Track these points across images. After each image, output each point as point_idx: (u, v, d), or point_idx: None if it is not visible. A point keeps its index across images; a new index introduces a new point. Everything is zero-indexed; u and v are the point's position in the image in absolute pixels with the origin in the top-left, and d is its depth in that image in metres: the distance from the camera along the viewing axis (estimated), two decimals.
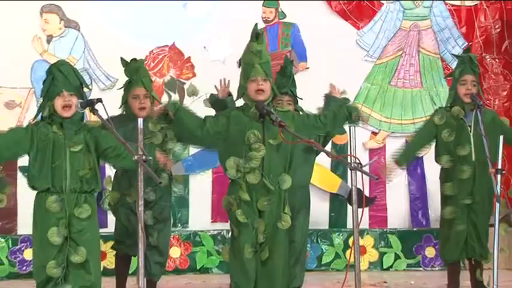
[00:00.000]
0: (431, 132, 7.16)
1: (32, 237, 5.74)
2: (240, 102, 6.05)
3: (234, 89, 6.06)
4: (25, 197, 8.39)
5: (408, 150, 7.33)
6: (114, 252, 6.87)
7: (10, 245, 8.59)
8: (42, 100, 5.77)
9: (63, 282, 5.58)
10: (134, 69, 6.80)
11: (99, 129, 5.76)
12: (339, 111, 6.13)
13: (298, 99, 7.00)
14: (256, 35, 5.96)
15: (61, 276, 5.55)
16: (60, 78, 5.72)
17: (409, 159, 7.28)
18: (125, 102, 6.75)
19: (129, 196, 6.55)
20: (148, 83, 6.83)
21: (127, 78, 6.78)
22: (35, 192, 5.68)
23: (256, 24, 6.02)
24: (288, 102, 6.85)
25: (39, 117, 5.76)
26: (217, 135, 5.88)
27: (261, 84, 5.85)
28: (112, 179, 6.65)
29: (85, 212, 5.59)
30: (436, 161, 7.23)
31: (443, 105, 7.49)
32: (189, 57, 9.21)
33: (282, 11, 9.41)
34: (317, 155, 6.93)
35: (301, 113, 7.04)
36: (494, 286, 6.49)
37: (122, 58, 6.88)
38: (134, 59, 6.87)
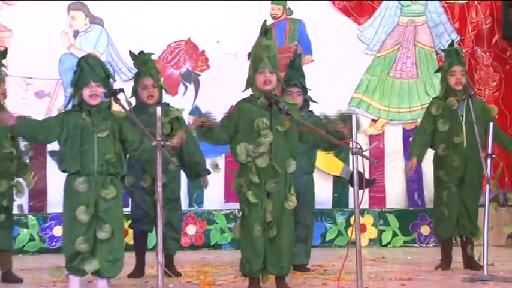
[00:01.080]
0: (433, 122, 7.14)
1: (61, 216, 5.76)
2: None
3: (243, 80, 6.05)
4: (54, 178, 8.49)
5: (422, 145, 7.24)
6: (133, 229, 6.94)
7: (40, 223, 8.63)
8: (72, 90, 5.80)
9: (90, 257, 5.61)
10: (143, 62, 6.85)
11: (124, 119, 5.78)
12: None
13: (308, 90, 7.01)
14: (265, 31, 5.96)
15: (88, 251, 5.58)
16: (88, 70, 5.75)
17: (425, 152, 7.23)
18: (135, 92, 6.78)
19: (144, 181, 6.60)
20: (156, 74, 6.87)
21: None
22: (63, 174, 5.69)
23: (265, 21, 6.02)
24: (297, 93, 6.86)
25: (70, 105, 5.78)
26: (235, 131, 5.91)
27: (268, 76, 5.84)
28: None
29: (110, 193, 5.61)
30: (432, 148, 7.22)
31: (437, 96, 7.45)
32: (204, 50, 9.20)
33: (289, 8, 9.39)
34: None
35: (310, 102, 7.08)
36: (484, 261, 6.55)
37: (130, 52, 6.89)
38: (142, 52, 6.90)
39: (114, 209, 5.65)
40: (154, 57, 6.77)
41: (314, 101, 7.13)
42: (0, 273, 6.63)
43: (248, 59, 6.15)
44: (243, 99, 6.03)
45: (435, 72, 8.23)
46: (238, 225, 6.01)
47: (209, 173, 6.89)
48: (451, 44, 7.60)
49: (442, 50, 7.77)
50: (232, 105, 6.40)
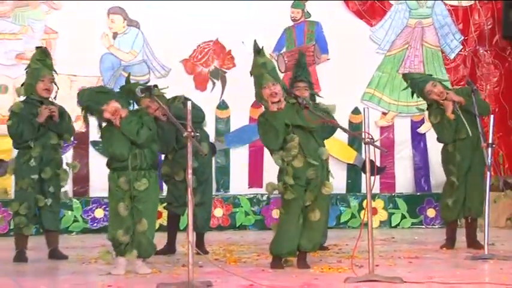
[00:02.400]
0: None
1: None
2: None
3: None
4: (95, 166, 8.53)
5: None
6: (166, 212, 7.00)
7: (83, 206, 8.67)
8: None
9: (131, 249, 5.68)
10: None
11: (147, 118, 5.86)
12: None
13: (313, 84, 7.06)
14: (258, 51, 5.96)
15: (129, 242, 5.67)
16: None
17: None
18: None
19: (177, 175, 6.62)
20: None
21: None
22: (103, 161, 5.78)
23: (255, 41, 6.01)
24: (304, 88, 6.87)
25: None
26: None
27: (273, 88, 5.83)
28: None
29: (143, 185, 5.65)
30: (438, 141, 7.17)
31: (431, 116, 7.34)
32: (230, 50, 9.19)
33: (308, 12, 9.35)
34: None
35: (316, 96, 7.10)
36: (486, 241, 6.50)
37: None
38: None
39: (148, 199, 5.73)
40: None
41: (319, 96, 7.17)
42: (48, 250, 6.69)
43: (272, 58, 6.14)
44: (260, 115, 5.98)
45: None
46: (281, 212, 5.99)
47: None
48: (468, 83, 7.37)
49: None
50: (255, 101, 6.37)
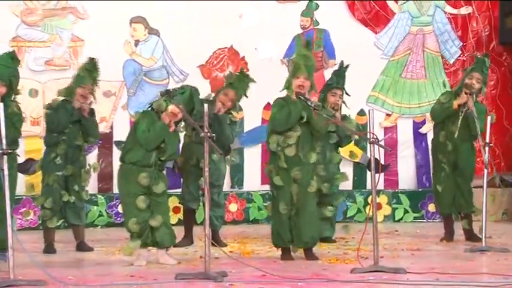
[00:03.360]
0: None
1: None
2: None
3: (276, 81, 6.05)
4: (118, 164, 8.53)
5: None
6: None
7: (108, 201, 8.68)
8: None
9: (146, 237, 5.68)
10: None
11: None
12: None
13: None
14: (306, 43, 6.04)
15: (148, 232, 5.70)
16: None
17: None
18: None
19: (191, 160, 6.61)
20: None
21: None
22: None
23: (305, 35, 6.06)
24: (340, 96, 7.11)
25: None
26: None
27: (303, 81, 5.86)
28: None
29: (161, 188, 5.74)
30: (430, 115, 7.31)
31: (442, 95, 7.35)
32: (244, 56, 9.18)
33: (316, 20, 9.33)
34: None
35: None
36: (483, 234, 6.48)
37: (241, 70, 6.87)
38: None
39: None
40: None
41: (347, 107, 7.26)
42: (76, 243, 6.73)
43: (286, 64, 6.17)
44: (280, 98, 6.02)
45: (463, 70, 8.11)
46: (270, 204, 6.06)
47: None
48: (486, 55, 7.46)
49: (476, 56, 7.67)
50: (269, 102, 6.39)
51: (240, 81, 6.87)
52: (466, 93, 6.86)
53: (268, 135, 5.94)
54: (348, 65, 7.32)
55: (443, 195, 7.08)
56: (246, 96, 6.95)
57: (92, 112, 6.68)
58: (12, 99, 5.90)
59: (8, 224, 5.05)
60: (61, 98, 6.68)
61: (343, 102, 7.14)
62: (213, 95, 7.09)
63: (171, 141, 5.74)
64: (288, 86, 5.95)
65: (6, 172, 5.05)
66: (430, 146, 9.21)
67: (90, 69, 6.69)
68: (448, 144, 6.98)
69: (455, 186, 7.04)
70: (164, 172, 5.91)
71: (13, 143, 5.63)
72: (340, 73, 7.13)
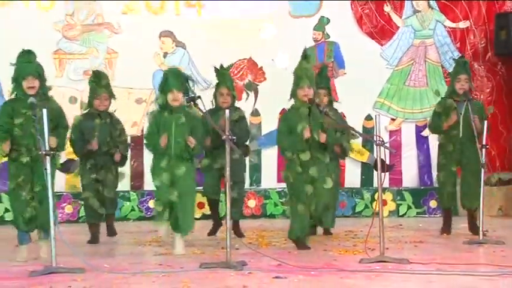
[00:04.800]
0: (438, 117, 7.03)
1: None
2: None
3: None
4: (149, 163, 8.55)
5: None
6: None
7: (139, 197, 8.71)
8: (159, 94, 5.87)
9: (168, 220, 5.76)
10: (221, 74, 6.86)
11: (197, 120, 5.86)
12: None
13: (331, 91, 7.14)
14: (305, 56, 5.99)
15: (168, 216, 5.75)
16: (171, 79, 5.80)
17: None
18: (214, 97, 6.82)
19: (216, 163, 6.65)
20: (231, 85, 6.88)
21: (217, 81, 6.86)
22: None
23: (305, 48, 6.06)
24: (324, 94, 6.89)
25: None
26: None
27: (307, 90, 5.88)
28: None
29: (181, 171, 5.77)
30: (429, 128, 7.28)
31: (437, 104, 7.34)
32: (261, 66, 9.18)
33: (327, 33, 9.31)
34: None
35: (334, 102, 7.10)
36: (480, 228, 6.44)
37: (215, 67, 6.92)
38: (222, 66, 6.90)
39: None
40: None
41: (336, 101, 7.20)
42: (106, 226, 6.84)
43: (293, 74, 6.17)
44: (288, 110, 6.05)
45: (445, 77, 8.11)
46: (287, 203, 6.09)
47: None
48: (462, 57, 7.51)
49: (454, 59, 7.64)
50: (284, 108, 6.40)
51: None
52: (455, 108, 6.83)
53: (282, 151, 6.01)
54: (327, 66, 7.31)
55: (445, 191, 7.05)
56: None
57: (120, 129, 6.78)
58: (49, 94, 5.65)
59: (51, 217, 5.09)
60: (84, 112, 6.81)
61: (332, 100, 7.08)
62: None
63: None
64: (293, 95, 5.96)
65: (49, 171, 5.09)
66: (431, 148, 9.23)
67: (96, 81, 6.73)
68: (452, 145, 6.94)
69: (463, 184, 6.97)
70: (192, 162, 5.94)
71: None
72: (322, 74, 7.10)
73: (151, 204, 8.62)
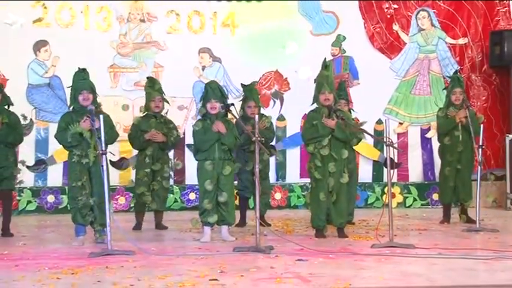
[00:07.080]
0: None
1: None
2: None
3: (311, 98, 6.04)
4: (190, 162, 8.61)
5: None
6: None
7: (181, 190, 8.75)
8: (200, 105, 5.89)
9: (212, 213, 5.71)
10: (249, 89, 6.86)
11: (231, 124, 5.87)
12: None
13: (351, 102, 7.01)
14: (325, 66, 5.96)
15: (212, 209, 5.69)
16: (210, 91, 5.81)
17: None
18: (242, 109, 6.81)
19: (248, 166, 6.61)
20: (257, 98, 6.87)
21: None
22: (194, 159, 5.85)
23: (325, 58, 6.02)
24: (344, 104, 6.84)
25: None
26: None
27: (328, 95, 5.84)
28: None
29: (227, 171, 5.69)
30: (439, 141, 7.09)
31: (442, 107, 7.29)
32: (286, 77, 9.17)
33: (343, 49, 9.27)
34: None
35: (353, 112, 7.05)
36: (477, 217, 6.36)
37: (241, 83, 6.92)
38: (249, 84, 6.91)
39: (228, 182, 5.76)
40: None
41: (353, 110, 7.19)
42: (155, 223, 6.79)
43: (314, 82, 6.13)
44: (311, 110, 6.02)
45: (443, 90, 8.06)
46: (309, 193, 6.04)
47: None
48: (455, 72, 7.48)
49: (448, 76, 7.62)
50: (305, 114, 6.37)
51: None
52: (461, 109, 6.81)
53: (306, 145, 5.97)
54: (345, 81, 7.31)
55: (446, 188, 6.99)
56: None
57: (171, 128, 6.69)
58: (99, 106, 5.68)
59: (106, 207, 5.14)
60: (142, 114, 6.82)
61: (351, 109, 7.07)
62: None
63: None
64: (316, 100, 5.92)
65: (105, 167, 5.15)
66: (434, 148, 9.13)
67: (151, 85, 6.76)
68: (454, 146, 6.90)
69: (458, 180, 6.94)
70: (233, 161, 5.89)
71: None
72: (341, 87, 7.09)
73: (191, 196, 8.66)
